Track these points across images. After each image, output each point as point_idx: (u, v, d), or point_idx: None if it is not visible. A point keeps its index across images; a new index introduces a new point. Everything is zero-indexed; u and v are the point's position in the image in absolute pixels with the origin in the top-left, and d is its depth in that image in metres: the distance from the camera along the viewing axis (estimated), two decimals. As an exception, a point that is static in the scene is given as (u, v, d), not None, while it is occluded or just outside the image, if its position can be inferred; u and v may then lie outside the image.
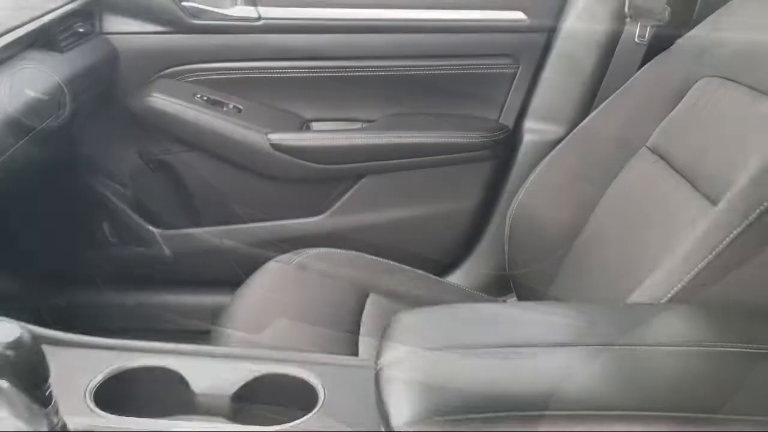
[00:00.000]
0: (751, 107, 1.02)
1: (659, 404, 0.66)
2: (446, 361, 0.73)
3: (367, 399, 0.68)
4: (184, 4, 1.45)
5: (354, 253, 1.33)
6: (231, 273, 1.31)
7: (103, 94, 1.45)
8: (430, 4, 1.51)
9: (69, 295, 1.54)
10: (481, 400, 0.67)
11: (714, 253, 0.86)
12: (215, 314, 1.16)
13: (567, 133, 1.36)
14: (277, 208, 1.56)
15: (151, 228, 1.57)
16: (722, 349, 0.73)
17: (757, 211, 0.86)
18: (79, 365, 0.77)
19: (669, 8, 1.38)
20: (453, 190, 1.56)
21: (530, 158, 1.47)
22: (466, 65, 1.55)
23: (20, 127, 1.11)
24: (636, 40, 1.40)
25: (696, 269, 0.86)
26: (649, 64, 1.28)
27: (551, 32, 1.52)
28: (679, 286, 0.87)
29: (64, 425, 0.64)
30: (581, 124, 1.32)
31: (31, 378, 0.61)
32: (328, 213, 1.56)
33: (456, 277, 1.58)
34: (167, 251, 1.57)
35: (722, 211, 0.93)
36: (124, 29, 1.47)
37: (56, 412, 0.63)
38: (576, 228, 1.26)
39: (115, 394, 0.76)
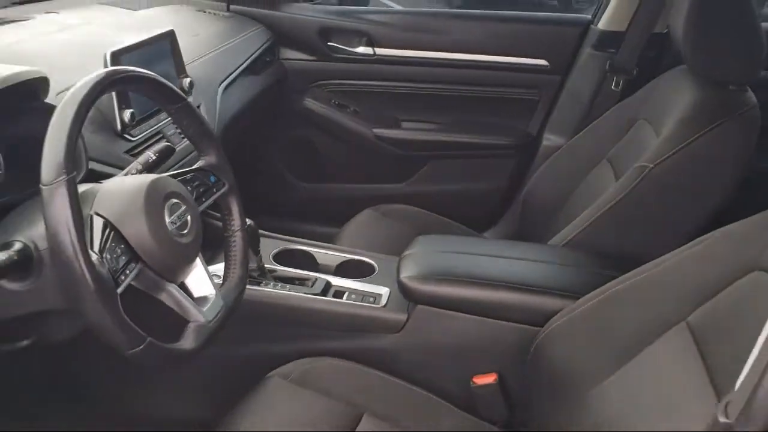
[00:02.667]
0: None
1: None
2: (442, 255, 1.46)
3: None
4: (329, 44, 2.23)
5: (417, 209, 1.99)
6: (342, 212, 1.99)
7: (277, 98, 2.22)
8: (483, 51, 2.16)
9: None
10: (460, 271, 1.34)
11: (598, 213, 1.46)
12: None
13: (565, 143, 1.94)
14: (373, 176, 2.30)
15: (297, 181, 2.36)
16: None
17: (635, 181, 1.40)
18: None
19: (637, 68, 2.01)
20: (489, 176, 2.23)
21: (544, 158, 1.99)
22: (506, 92, 2.21)
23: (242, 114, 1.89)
24: (612, 87, 2.03)
25: (584, 225, 1.48)
26: (615, 106, 1.80)
27: (564, 75, 2.14)
28: (572, 236, 1.50)
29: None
30: (573, 139, 1.89)
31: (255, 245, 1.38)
32: (405, 182, 2.29)
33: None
34: (305, 197, 2.36)
35: (617, 183, 1.48)
36: (292, 57, 2.24)
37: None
38: (559, 204, 1.80)
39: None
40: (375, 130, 2.23)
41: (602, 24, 2.04)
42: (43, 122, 1.19)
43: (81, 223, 0.85)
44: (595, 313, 1.15)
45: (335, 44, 2.23)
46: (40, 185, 0.84)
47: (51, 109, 1.19)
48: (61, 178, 0.83)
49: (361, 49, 2.22)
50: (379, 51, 2.21)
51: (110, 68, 0.99)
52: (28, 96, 1.17)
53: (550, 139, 2.15)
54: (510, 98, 2.21)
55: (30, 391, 1.50)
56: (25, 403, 1.52)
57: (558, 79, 2.15)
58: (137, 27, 1.73)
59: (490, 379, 1.33)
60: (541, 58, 2.14)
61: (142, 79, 1.05)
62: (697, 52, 1.43)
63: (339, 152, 2.29)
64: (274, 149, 2.29)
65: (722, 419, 0.54)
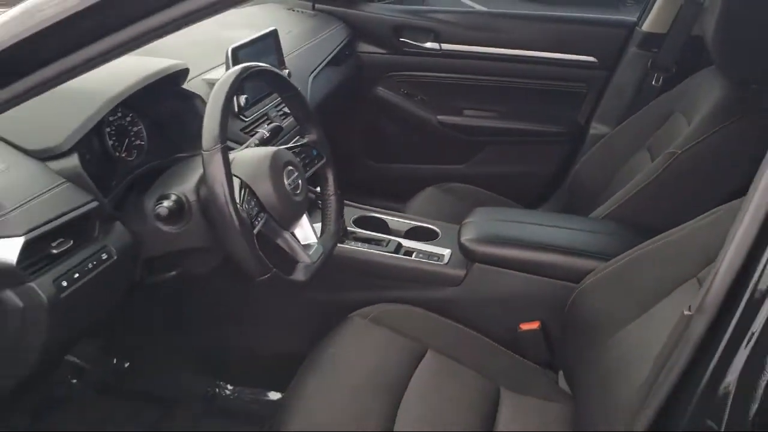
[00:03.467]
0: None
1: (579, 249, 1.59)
2: (497, 222, 1.70)
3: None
4: (401, 39, 2.49)
5: (475, 188, 2.23)
6: (408, 189, 2.23)
7: (354, 87, 2.49)
8: (538, 48, 2.37)
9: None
10: (511, 236, 1.59)
11: (633, 192, 1.67)
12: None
13: (610, 132, 2.12)
14: (436, 157, 2.55)
15: (370, 161, 2.63)
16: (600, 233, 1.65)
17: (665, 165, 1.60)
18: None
19: (676, 67, 2.20)
20: (541, 160, 2.46)
21: (591, 145, 2.15)
22: (557, 84, 2.43)
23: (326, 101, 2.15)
24: (653, 83, 2.24)
25: (620, 202, 1.70)
26: (655, 100, 1.97)
27: (610, 71, 2.34)
28: (609, 210, 1.73)
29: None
30: (616, 128, 2.08)
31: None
32: (465, 164, 2.54)
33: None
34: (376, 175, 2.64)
35: (651, 166, 1.68)
36: (368, 50, 2.51)
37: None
38: (602, 185, 1.97)
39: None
40: (439, 117, 2.49)
41: (646, 26, 2.23)
42: (182, 104, 1.49)
43: (231, 181, 1.13)
44: (621, 272, 1.37)
45: (406, 40, 2.48)
46: (202, 151, 1.13)
47: (188, 94, 1.49)
48: (217, 146, 1.12)
49: (429, 45, 2.47)
50: (445, 46, 2.46)
51: (247, 64, 1.27)
52: (170, 83, 1.47)
53: (596, 128, 2.36)
54: (561, 91, 2.43)
55: (144, 323, 1.82)
56: (140, 333, 1.84)
57: (605, 74, 2.36)
58: (239, 24, 2.02)
59: (534, 326, 1.58)
60: (590, 55, 2.36)
61: (267, 73, 1.33)
62: (723, 53, 1.62)
63: (406, 136, 2.56)
64: (351, 132, 2.56)
65: (686, 312, 0.77)
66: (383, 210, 1.87)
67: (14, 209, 1.03)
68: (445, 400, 1.40)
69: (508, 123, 2.48)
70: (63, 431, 1.64)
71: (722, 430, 0.69)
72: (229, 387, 1.81)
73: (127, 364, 1.84)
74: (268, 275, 1.18)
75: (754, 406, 0.67)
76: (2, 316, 1.04)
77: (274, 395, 1.78)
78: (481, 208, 1.80)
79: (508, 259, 1.59)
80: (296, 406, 1.30)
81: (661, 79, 2.22)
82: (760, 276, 0.70)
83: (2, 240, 1.00)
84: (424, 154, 2.57)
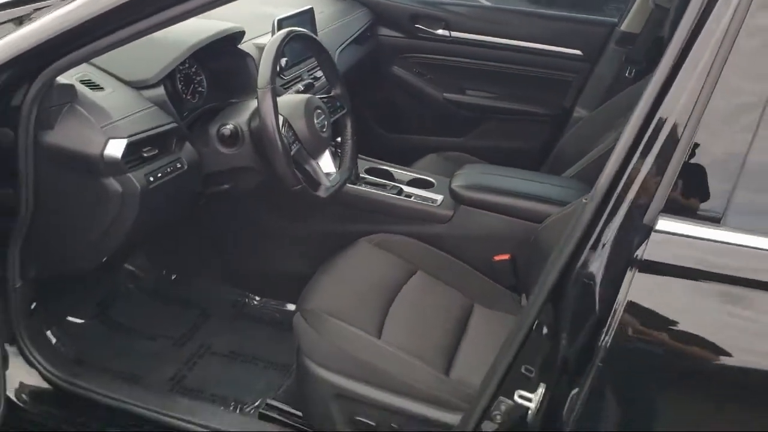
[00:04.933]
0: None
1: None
2: (482, 175, 2.05)
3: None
4: (416, 26, 2.84)
5: (471, 156, 2.57)
6: (414, 156, 2.54)
7: (372, 65, 2.85)
8: (533, 40, 2.70)
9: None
10: (492, 185, 1.95)
11: (594, 157, 2.04)
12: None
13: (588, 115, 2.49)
14: (440, 130, 2.89)
15: (382, 131, 2.99)
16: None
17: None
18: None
19: (645, 60, 2.54)
20: (530, 136, 2.79)
21: (573, 125, 2.49)
22: (547, 73, 2.75)
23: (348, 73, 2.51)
24: (626, 74, 2.58)
25: (584, 165, 2.07)
26: (627, 88, 2.24)
27: (593, 63, 2.67)
28: (575, 172, 2.09)
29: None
30: (593, 112, 2.42)
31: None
32: (464, 137, 2.89)
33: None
34: (386, 143, 2.98)
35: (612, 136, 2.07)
36: (386, 34, 2.87)
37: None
38: (579, 158, 2.34)
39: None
40: (445, 95, 2.85)
41: (624, 26, 2.56)
42: (236, 61, 1.86)
43: (278, 114, 1.50)
44: (571, 214, 1.72)
45: (421, 26, 2.83)
46: (257, 89, 1.49)
47: (242, 53, 1.85)
48: (269, 86, 1.48)
49: (440, 32, 2.82)
50: (455, 34, 2.81)
51: (292, 28, 1.64)
52: (229, 42, 1.83)
53: (578, 112, 2.69)
54: (550, 78, 2.76)
55: (189, 243, 2.18)
56: (185, 251, 2.21)
57: (588, 66, 2.69)
58: (274, 3, 2.37)
59: (505, 257, 1.93)
60: (577, 49, 2.69)
61: (307, 37, 1.70)
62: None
63: (415, 110, 2.91)
64: (367, 105, 2.90)
65: (584, 200, 1.11)
66: (389, 163, 2.22)
67: (120, 119, 1.41)
68: (428, 307, 1.76)
69: (503, 103, 2.83)
70: (120, 321, 2.02)
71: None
72: (257, 298, 2.18)
73: (173, 276, 2.21)
74: (299, 187, 1.54)
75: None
76: (105, 199, 1.41)
77: (292, 306, 2.13)
78: (471, 164, 2.16)
79: (488, 203, 1.94)
80: (311, 294, 1.66)
81: (633, 72, 2.55)
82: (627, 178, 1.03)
83: (112, 140, 1.37)
84: (430, 126, 2.91)
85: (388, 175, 2.16)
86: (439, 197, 2.04)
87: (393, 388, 1.48)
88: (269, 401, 1.69)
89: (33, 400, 1.53)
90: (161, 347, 1.93)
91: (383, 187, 2.06)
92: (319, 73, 2.10)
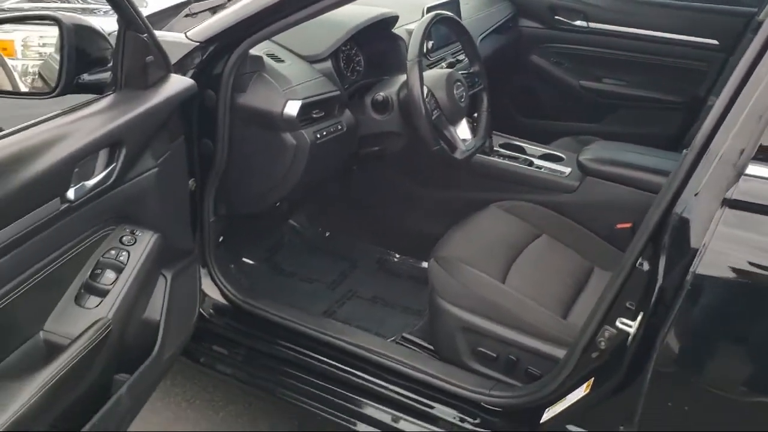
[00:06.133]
0: None
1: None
2: (609, 150, 2.21)
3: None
4: (555, 17, 2.99)
5: (603, 140, 2.74)
6: (548, 139, 2.64)
7: (513, 53, 3.04)
8: (669, 30, 2.77)
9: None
10: (617, 159, 2.14)
11: None
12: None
13: None
14: (575, 115, 3.02)
15: (519, 116, 3.16)
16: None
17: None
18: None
19: None
20: (663, 123, 2.84)
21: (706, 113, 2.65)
22: (682, 62, 2.79)
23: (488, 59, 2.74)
24: None
25: None
26: None
27: (728, 53, 2.68)
28: None
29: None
30: None
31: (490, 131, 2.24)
32: (598, 123, 2.99)
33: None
34: (521, 127, 3.15)
35: None
36: (527, 25, 3.05)
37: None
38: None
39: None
40: (581, 82, 2.98)
41: (762, 15, 2.57)
42: (389, 44, 2.13)
43: (423, 85, 1.74)
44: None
45: (560, 18, 2.98)
46: (407, 60, 1.74)
47: (395, 36, 2.12)
48: (417, 59, 1.73)
49: (578, 23, 2.95)
50: (592, 25, 2.93)
51: (439, 11, 1.88)
52: (384, 26, 2.10)
53: (712, 100, 2.71)
54: (685, 67, 2.81)
55: (341, 206, 2.48)
56: (338, 212, 2.51)
57: (723, 55, 2.71)
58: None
59: (627, 225, 2.06)
60: (712, 39, 2.73)
61: (452, 20, 1.94)
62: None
63: (552, 96, 3.07)
64: (505, 91, 3.08)
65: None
66: (522, 139, 2.40)
67: (296, 85, 1.71)
68: (550, 265, 1.94)
69: (638, 91, 2.92)
70: (283, 266, 2.35)
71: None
72: (397, 255, 2.45)
73: (327, 234, 2.53)
74: (438, 147, 1.78)
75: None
76: (282, 150, 1.72)
77: (426, 265, 2.37)
78: (599, 141, 2.30)
79: (613, 175, 2.08)
80: (445, 244, 1.89)
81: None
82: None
83: (290, 101, 1.67)
84: (566, 112, 3.05)
85: (521, 150, 2.35)
86: (568, 169, 2.20)
87: (513, 325, 1.68)
88: (405, 335, 1.94)
89: (216, 314, 1.87)
90: (316, 289, 2.24)
91: (515, 159, 2.25)
92: (462, 56, 2.32)
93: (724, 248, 1.11)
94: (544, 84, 3.06)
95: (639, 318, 1.29)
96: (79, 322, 1.15)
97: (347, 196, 2.47)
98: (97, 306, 1.19)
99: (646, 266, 1.33)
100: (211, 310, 1.88)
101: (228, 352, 1.85)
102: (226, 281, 1.87)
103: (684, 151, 1.28)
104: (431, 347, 1.89)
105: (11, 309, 1.06)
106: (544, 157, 2.31)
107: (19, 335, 1.11)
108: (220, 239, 1.90)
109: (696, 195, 1.19)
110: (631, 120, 2.94)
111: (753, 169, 1.11)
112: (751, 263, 1.11)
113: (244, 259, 2.25)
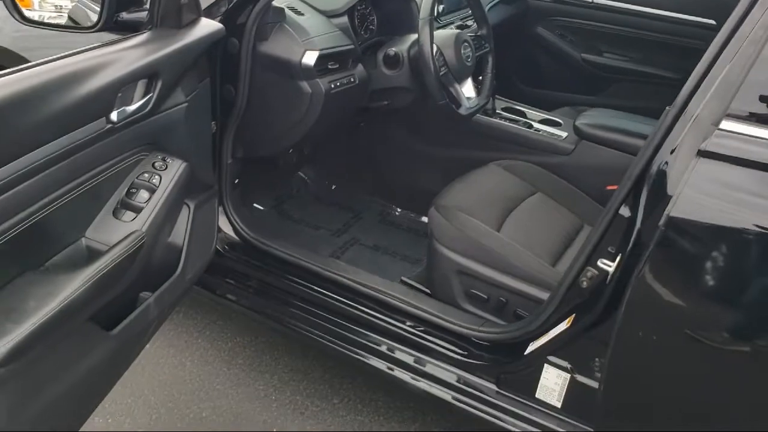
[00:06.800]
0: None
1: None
2: (604, 117, 2.34)
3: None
4: (558, -7, 3.10)
5: None
6: (549, 109, 2.85)
7: (519, 25, 3.14)
8: (669, 9, 2.86)
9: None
10: (611, 125, 2.27)
11: None
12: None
13: None
14: (575, 86, 3.12)
15: (521, 85, 3.27)
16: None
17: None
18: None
19: None
20: (658, 98, 2.94)
21: None
22: (680, 40, 2.87)
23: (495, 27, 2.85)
24: None
25: None
26: None
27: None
28: None
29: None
30: None
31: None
32: (596, 96, 3.12)
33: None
34: (523, 97, 3.27)
35: None
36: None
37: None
38: None
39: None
40: (583, 55, 3.08)
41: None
42: (402, 5, 2.23)
43: (433, 42, 1.86)
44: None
45: (563, -6, 3.09)
46: (419, 18, 1.86)
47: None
48: (429, 17, 1.85)
49: (584, -1, 3.07)
50: (597, 1, 3.03)
51: None
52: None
53: (707, 77, 2.84)
54: (683, 45, 2.89)
55: (347, 160, 2.61)
56: (343, 166, 2.64)
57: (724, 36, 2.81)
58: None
59: (616, 187, 2.19)
60: (711, 18, 2.83)
61: (462, -17, 2.04)
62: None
63: (555, 68, 3.17)
64: (509, 60, 3.18)
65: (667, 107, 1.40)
66: (523, 104, 2.52)
67: (315, 36, 1.83)
68: (543, 219, 2.06)
69: (637, 66, 3.01)
70: (291, 214, 2.48)
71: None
72: (399, 209, 2.58)
73: (333, 186, 2.65)
74: (443, 102, 1.90)
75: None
76: (298, 97, 1.84)
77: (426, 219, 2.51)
78: (595, 108, 2.42)
79: (606, 140, 2.21)
80: (445, 195, 2.02)
81: (766, 41, 2.66)
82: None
83: (308, 51, 1.79)
84: (567, 83, 3.15)
85: (522, 114, 2.47)
86: (564, 134, 2.33)
87: (504, 269, 1.81)
88: (403, 278, 2.07)
89: (230, 249, 2.00)
90: (322, 235, 2.38)
91: (516, 122, 2.38)
92: (470, 21, 2.43)
93: (696, 195, 1.24)
94: (547, 55, 3.17)
95: (618, 259, 1.43)
96: (115, 232, 1.28)
97: (354, 151, 2.59)
98: (133, 220, 1.32)
99: (626, 213, 1.46)
100: (226, 246, 2.01)
101: (240, 284, 1.99)
102: (240, 219, 2.00)
103: (666, 108, 1.41)
104: (428, 291, 2.03)
105: (59, 214, 1.19)
106: (543, 121, 2.43)
107: (65, 239, 1.24)
108: (236, 181, 2.02)
109: (674, 150, 1.32)
110: (629, 93, 3.04)
111: (726, 124, 1.24)
112: (720, 210, 1.23)
113: (255, 205, 2.38)
